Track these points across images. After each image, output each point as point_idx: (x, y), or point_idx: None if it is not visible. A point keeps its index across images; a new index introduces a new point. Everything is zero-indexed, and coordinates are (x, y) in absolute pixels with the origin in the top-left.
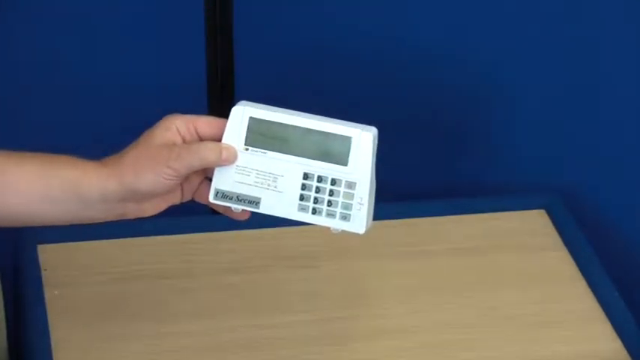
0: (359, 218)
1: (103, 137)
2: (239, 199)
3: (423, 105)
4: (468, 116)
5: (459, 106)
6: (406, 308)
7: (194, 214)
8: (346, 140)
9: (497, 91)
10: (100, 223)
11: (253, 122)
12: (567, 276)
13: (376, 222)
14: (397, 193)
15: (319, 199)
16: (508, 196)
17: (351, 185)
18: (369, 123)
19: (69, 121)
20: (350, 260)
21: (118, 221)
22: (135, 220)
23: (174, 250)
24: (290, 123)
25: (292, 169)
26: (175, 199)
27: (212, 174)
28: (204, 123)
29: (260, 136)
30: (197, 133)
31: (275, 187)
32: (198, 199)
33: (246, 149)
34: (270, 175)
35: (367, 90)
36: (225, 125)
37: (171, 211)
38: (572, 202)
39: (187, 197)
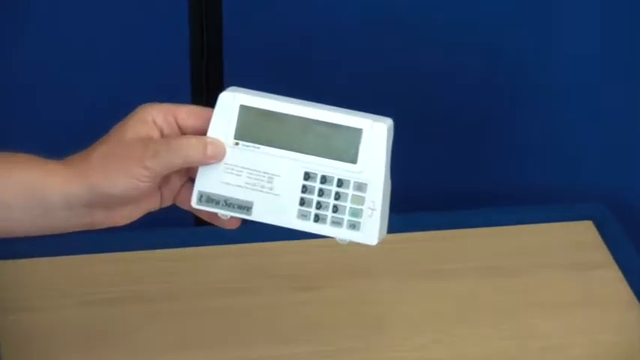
0: (370, 227)
1: (67, 131)
2: (227, 203)
3: (444, 98)
4: (499, 111)
5: (489, 100)
6: (427, 338)
7: (176, 225)
8: (356, 133)
9: (535, 82)
10: (64, 234)
11: (244, 111)
12: (620, 299)
13: (391, 235)
14: (415, 201)
15: (323, 203)
16: (549, 205)
17: (361, 187)
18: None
19: (27, 104)
20: (360, 281)
21: (85, 233)
22: (105, 231)
23: (153, 268)
24: (288, 112)
25: (291, 167)
26: (153, 204)
27: (196, 174)
28: (186, 113)
29: (253, 128)
30: (178, 126)
31: (270, 189)
32: (181, 205)
33: (236, 144)
34: (265, 174)
35: (377, 81)
36: (210, 115)
37: (149, 221)
38: (623, 211)
39: (167, 202)
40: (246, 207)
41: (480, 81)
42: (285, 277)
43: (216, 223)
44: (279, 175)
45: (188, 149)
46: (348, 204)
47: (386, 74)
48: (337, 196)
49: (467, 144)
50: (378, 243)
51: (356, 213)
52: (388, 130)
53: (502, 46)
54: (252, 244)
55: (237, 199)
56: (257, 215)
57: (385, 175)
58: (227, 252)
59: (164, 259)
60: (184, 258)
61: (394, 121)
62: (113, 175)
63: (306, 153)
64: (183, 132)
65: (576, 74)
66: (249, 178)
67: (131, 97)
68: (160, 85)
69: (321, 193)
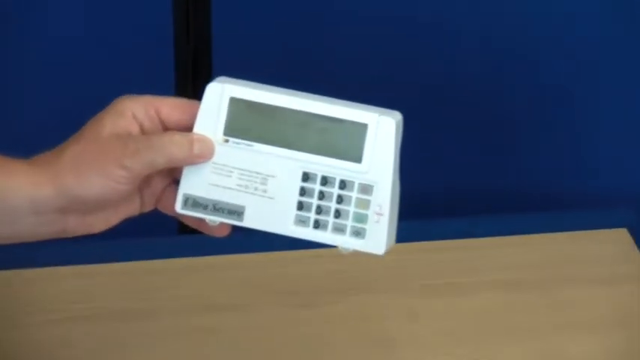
0: (377, 234)
1: (38, 125)
2: (216, 208)
3: (462, 90)
4: (527, 110)
5: (513, 95)
6: None
7: (158, 232)
8: (360, 129)
9: (569, 82)
10: (32, 243)
11: (235, 104)
12: None
13: (400, 245)
14: (428, 206)
15: (324, 207)
16: (579, 211)
17: (366, 189)
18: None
19: None
20: (365, 296)
21: (55, 242)
22: (79, 239)
23: (132, 282)
24: (284, 106)
25: (288, 167)
26: (132, 209)
27: (181, 175)
28: (170, 106)
29: (244, 123)
30: (160, 120)
31: (264, 191)
32: (163, 210)
33: (226, 141)
34: (258, 175)
35: (384, 68)
36: (197, 109)
37: (128, 229)
38: None
39: (148, 207)
40: (238, 212)
41: (504, 76)
42: (281, 292)
43: (203, 231)
44: (274, 176)
45: (172, 147)
46: (351, 208)
47: (394, 61)
48: (340, 200)
49: (486, 142)
50: (386, 252)
51: (361, 218)
52: (397, 125)
53: (531, 39)
54: (244, 254)
55: (227, 203)
56: (249, 221)
57: (393, 176)
58: (216, 263)
59: (144, 272)
60: (167, 270)
61: (403, 115)
62: (87, 177)
63: (305, 151)
64: (166, 128)
65: (609, 75)
66: (241, 179)
67: (108, 89)
68: (140, 75)
69: (321, 196)
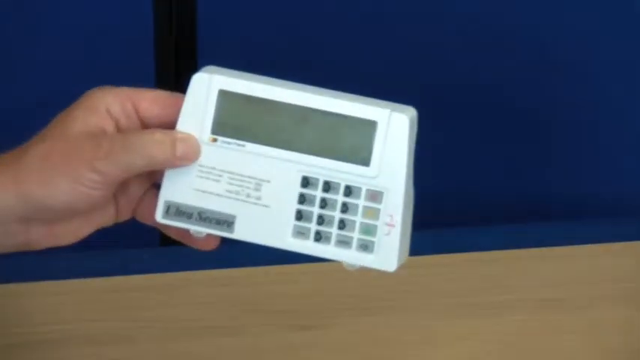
0: (388, 248)
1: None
2: (202, 217)
3: (486, 84)
4: (556, 109)
5: (542, 92)
6: None
7: (136, 245)
8: (369, 126)
9: (599, 84)
10: None
11: (224, 98)
12: None
13: (413, 259)
14: (446, 214)
15: (326, 217)
16: (614, 221)
17: (375, 196)
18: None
19: None
20: (374, 318)
21: (18, 255)
22: (45, 252)
23: (106, 300)
24: (281, 100)
25: (285, 171)
26: (106, 218)
27: (161, 179)
28: (149, 100)
29: (235, 119)
30: (138, 116)
31: (258, 198)
32: (142, 219)
33: (214, 140)
34: (251, 180)
35: (396, 57)
36: (180, 104)
37: (102, 240)
38: None
39: (125, 216)
40: (227, 222)
41: (534, 71)
42: (277, 312)
43: (187, 243)
44: (269, 181)
45: (152, 147)
46: (358, 218)
47: (402, 53)
48: (345, 209)
49: (511, 143)
50: (398, 269)
51: (369, 230)
52: (411, 122)
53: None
54: (235, 269)
55: (215, 212)
56: (241, 233)
57: (407, 181)
58: (202, 280)
59: (121, 290)
60: (147, 288)
61: (418, 111)
62: (54, 181)
63: (305, 152)
64: (145, 125)
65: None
66: (231, 184)
67: (81, 80)
68: (117, 65)
69: (323, 204)
